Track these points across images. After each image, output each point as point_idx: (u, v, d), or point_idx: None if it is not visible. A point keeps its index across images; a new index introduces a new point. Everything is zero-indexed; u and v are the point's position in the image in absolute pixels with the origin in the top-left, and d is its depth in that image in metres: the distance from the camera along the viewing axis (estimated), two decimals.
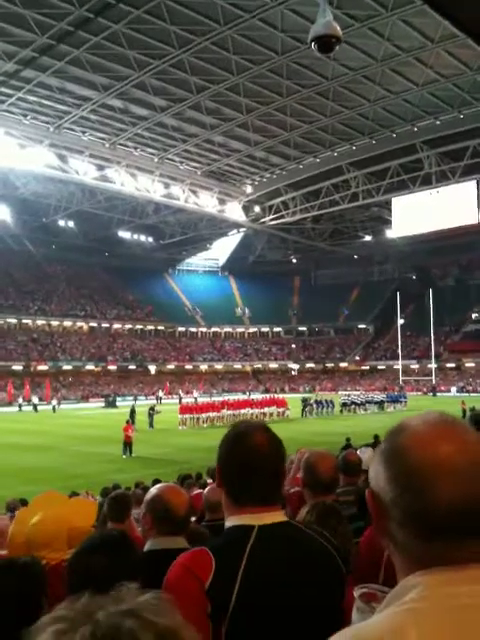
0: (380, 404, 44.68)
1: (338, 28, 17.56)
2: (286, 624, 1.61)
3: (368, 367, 78.74)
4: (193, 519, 4.94)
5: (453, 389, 63.76)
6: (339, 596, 1.74)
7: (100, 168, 49.13)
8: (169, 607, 0.76)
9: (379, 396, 47.70)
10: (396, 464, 0.95)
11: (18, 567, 2.43)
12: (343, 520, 2.70)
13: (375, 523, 1.00)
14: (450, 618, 0.83)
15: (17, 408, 49.87)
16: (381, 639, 0.82)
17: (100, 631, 0.67)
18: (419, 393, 63.61)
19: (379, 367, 77.33)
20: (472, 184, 48.67)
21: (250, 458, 1.76)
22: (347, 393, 52.43)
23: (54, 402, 50.19)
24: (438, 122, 42.17)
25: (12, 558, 2.74)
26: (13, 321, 68.24)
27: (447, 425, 0.97)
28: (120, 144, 46.65)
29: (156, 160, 50.12)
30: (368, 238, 76.72)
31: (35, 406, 49.44)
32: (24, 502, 8.80)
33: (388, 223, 60.40)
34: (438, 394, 61.35)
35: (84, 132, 44.44)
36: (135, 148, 48.00)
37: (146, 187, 52.81)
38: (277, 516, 1.77)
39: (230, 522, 1.77)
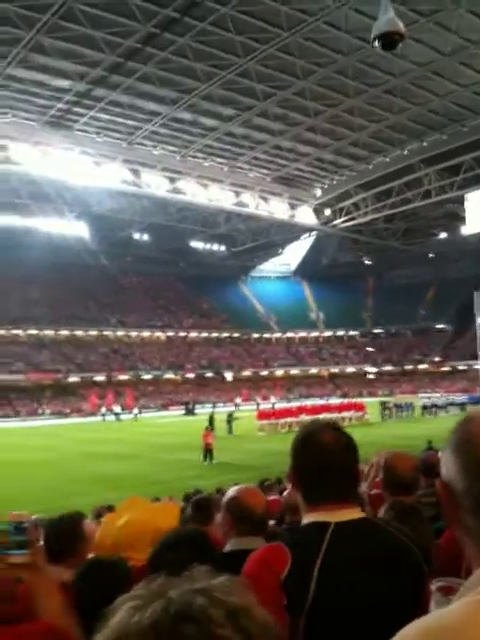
0: (462, 406, 43.37)
1: (401, 24, 17.32)
2: (364, 619, 1.62)
3: (448, 368, 76.57)
4: (273, 522, 4.98)
5: None
6: (419, 592, 1.73)
7: (172, 180, 50.10)
8: (241, 588, 0.77)
9: (460, 397, 46.37)
10: (467, 453, 0.96)
11: (105, 566, 2.54)
12: (423, 519, 2.68)
13: (448, 513, 1.01)
14: None
15: (100, 418, 51.33)
16: (458, 628, 0.81)
17: (173, 607, 0.70)
18: None
19: (459, 368, 75.04)
20: None
21: (321, 455, 1.79)
22: (427, 395, 51.24)
23: (135, 411, 51.33)
24: None
25: (100, 557, 2.85)
26: (94, 333, 70.37)
27: None
28: (190, 156, 47.40)
29: (226, 169, 50.65)
30: (443, 235, 74.75)
31: (117, 415, 50.74)
32: (111, 508, 9.05)
33: (462, 219, 58.70)
34: None
35: (155, 146, 45.42)
36: (205, 159, 48.65)
37: (217, 196, 53.45)
38: (354, 513, 1.78)
39: (306, 519, 1.79)
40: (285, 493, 4.65)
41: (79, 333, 69.31)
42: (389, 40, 17.45)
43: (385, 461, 3.40)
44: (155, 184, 49.21)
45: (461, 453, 0.98)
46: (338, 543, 1.68)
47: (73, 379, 63.12)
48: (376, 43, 17.67)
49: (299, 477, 1.83)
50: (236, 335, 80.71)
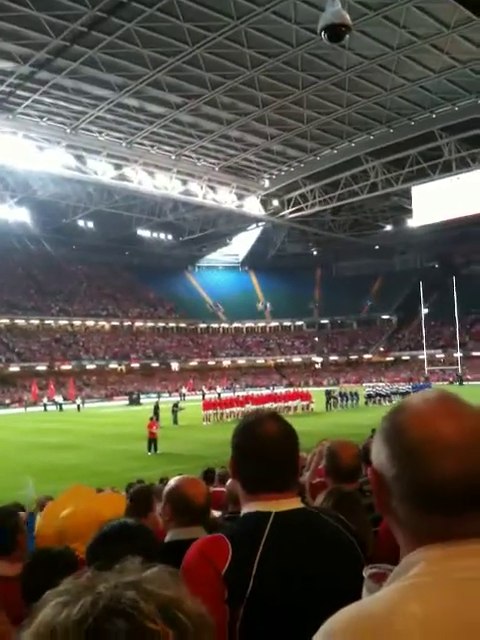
0: (405, 395, 44.30)
1: (347, 16, 17.49)
2: (303, 610, 1.60)
3: (393, 358, 78.22)
4: (219, 514, 4.93)
5: None
6: (357, 581, 1.72)
7: (117, 167, 49.36)
8: (174, 580, 0.76)
9: (404, 387, 47.34)
10: (397, 441, 0.97)
11: (53, 556, 2.47)
12: (360, 507, 2.67)
13: (377, 500, 1.01)
14: (452, 592, 0.84)
15: (42, 408, 50.43)
16: (384, 614, 0.83)
17: (102, 601, 0.68)
18: (445, 383, 63.03)
19: (404, 358, 76.77)
20: None
21: (261, 445, 1.76)
22: (372, 385, 52.15)
23: (78, 401, 50.64)
24: (456, 108, 41.66)
25: (47, 548, 2.76)
26: (36, 322, 68.91)
27: (446, 402, 0.99)
28: (137, 143, 46.78)
29: (173, 157, 50.20)
30: (389, 228, 76.18)
31: (60, 405, 49.96)
32: (51, 499, 8.85)
33: (409, 212, 59.93)
34: (465, 383, 60.70)
35: (101, 132, 44.63)
36: (152, 146, 48.10)
37: (164, 185, 52.96)
38: (293, 503, 1.77)
39: (246, 509, 1.77)
40: (228, 482, 4.62)
41: (20, 322, 67.71)
42: (335, 32, 17.55)
43: (328, 449, 3.42)
44: (100, 170, 48.38)
45: (391, 441, 0.97)
46: (278, 534, 1.66)
47: (13, 369, 61.74)
48: (323, 34, 17.71)
49: (239, 467, 1.81)
50: (183, 325, 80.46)
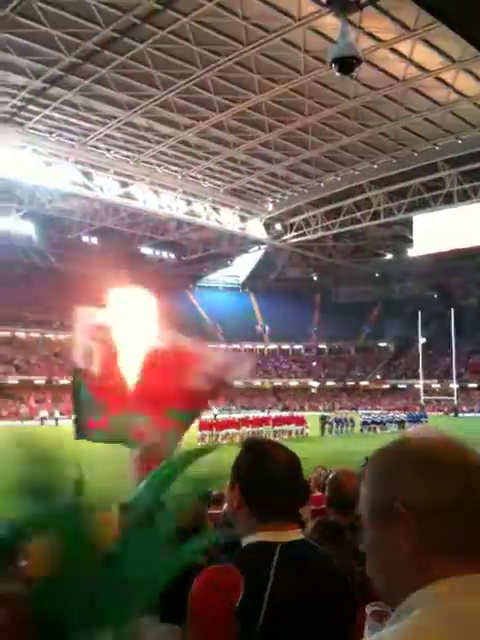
0: (400, 423, 44.22)
1: (358, 49, 17.73)
2: None
3: (389, 386, 78.10)
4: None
5: (475, 409, 62.94)
6: (349, 615, 1.75)
7: (124, 185, 49.70)
8: None
9: (400, 415, 47.25)
10: (439, 467, 0.97)
11: None
12: (345, 538, 2.70)
13: (405, 539, 0.97)
14: (455, 632, 0.82)
15: (39, 422, 50.22)
16: None
17: None
18: (440, 413, 62.87)
19: (400, 386, 76.65)
20: None
21: (272, 475, 1.78)
22: (368, 412, 52.01)
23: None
24: (460, 141, 42.09)
25: None
26: (36, 335, 68.83)
27: (445, 436, 1.04)
28: (144, 161, 47.15)
29: (179, 178, 50.58)
30: (389, 256, 76.49)
31: (56, 420, 49.79)
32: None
33: (409, 241, 60.19)
34: (460, 415, 60.53)
35: (109, 150, 45.00)
36: (159, 165, 48.46)
37: (168, 204, 53.29)
38: (296, 534, 1.79)
39: (251, 538, 1.76)
40: (224, 507, 4.63)
41: (20, 334, 67.60)
42: (346, 64, 17.85)
43: (333, 480, 3.41)
44: (107, 187, 48.72)
45: (432, 469, 0.97)
46: (285, 566, 1.66)
47: (12, 381, 61.52)
48: (333, 66, 18.01)
49: (246, 496, 1.80)
50: None
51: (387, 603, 1.06)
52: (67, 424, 47.21)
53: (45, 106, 37.43)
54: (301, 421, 39.88)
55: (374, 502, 1.02)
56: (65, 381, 64.14)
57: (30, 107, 37.65)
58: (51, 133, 42.02)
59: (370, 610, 1.19)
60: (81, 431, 3.39)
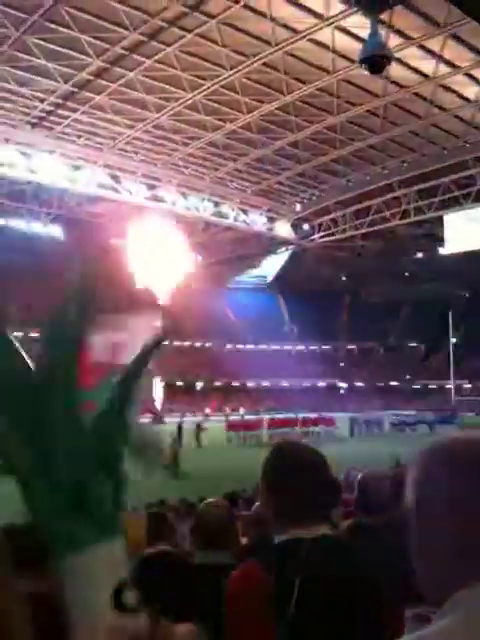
0: (431, 425, 43.73)
1: (388, 48, 17.58)
2: (341, 636, 1.64)
3: (419, 386, 77.38)
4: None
5: None
6: (378, 616, 1.75)
7: (151, 188, 49.98)
8: None
9: (430, 416, 46.76)
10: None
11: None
12: (381, 538, 2.68)
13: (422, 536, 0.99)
14: None
15: None
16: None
17: None
18: (472, 414, 62.04)
19: (430, 386, 75.91)
20: None
21: (300, 475, 1.83)
22: (397, 413, 51.59)
23: None
24: None
25: None
26: None
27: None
28: (172, 164, 47.37)
29: (207, 179, 50.71)
30: (420, 255, 75.77)
31: None
32: None
33: (440, 240, 59.50)
34: None
35: (137, 152, 45.30)
36: (186, 168, 48.65)
37: (196, 206, 53.47)
38: (324, 529, 1.83)
39: (282, 536, 1.81)
40: (254, 507, 4.62)
41: None
42: (377, 63, 17.72)
43: (361, 481, 3.40)
44: (134, 190, 49.05)
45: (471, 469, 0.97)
46: (314, 560, 1.70)
47: None
48: (363, 65, 17.91)
49: (275, 495, 1.86)
50: (208, 345, 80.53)
51: (431, 603, 1.04)
52: None
53: (74, 110, 37.84)
54: (330, 422, 39.73)
55: (420, 502, 1.02)
56: None
57: (59, 111, 38.08)
58: (79, 137, 42.44)
59: (411, 613, 1.16)
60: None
